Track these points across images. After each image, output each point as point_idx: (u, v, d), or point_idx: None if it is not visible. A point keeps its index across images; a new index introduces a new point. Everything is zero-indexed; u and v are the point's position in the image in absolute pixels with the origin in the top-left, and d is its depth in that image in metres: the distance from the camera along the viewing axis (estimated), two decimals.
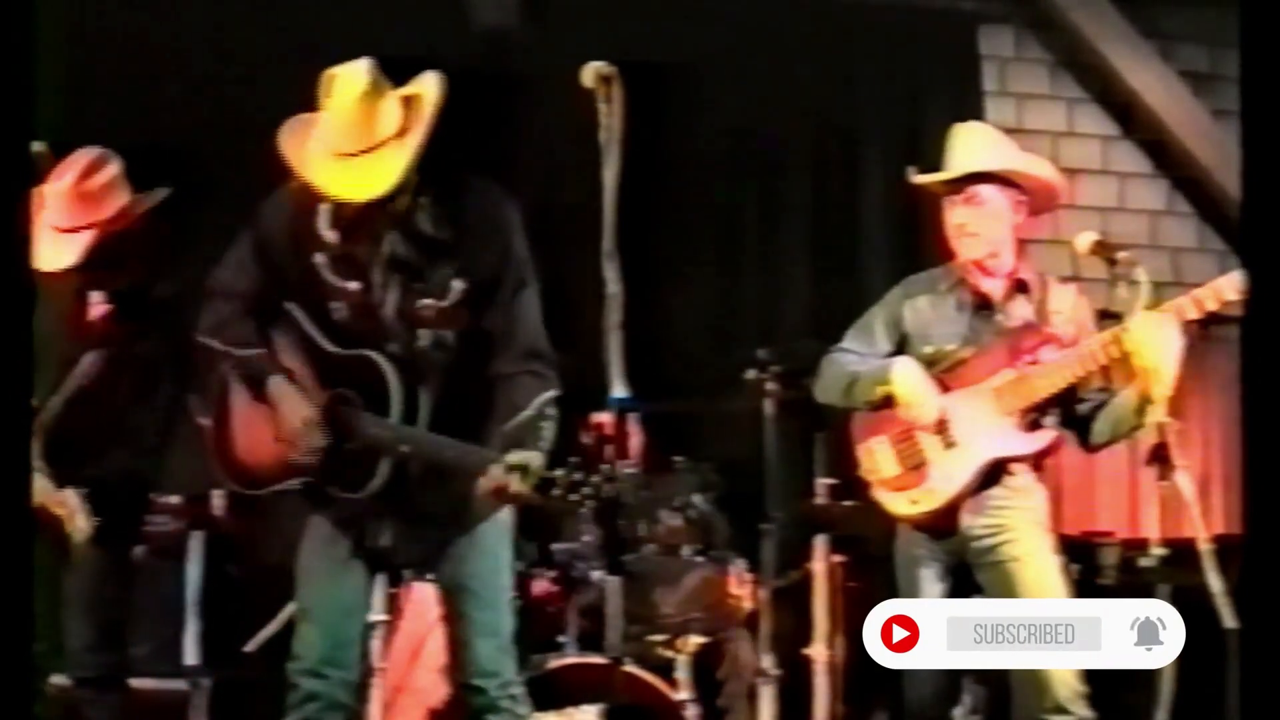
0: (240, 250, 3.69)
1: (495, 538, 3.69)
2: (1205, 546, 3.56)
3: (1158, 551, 3.83)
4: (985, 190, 4.17)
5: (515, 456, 3.36)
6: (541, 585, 5.18)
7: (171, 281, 4.30)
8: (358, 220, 3.54)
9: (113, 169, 4.24)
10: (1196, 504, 3.67)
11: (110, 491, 4.15)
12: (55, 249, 4.10)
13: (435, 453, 3.51)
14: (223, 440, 3.69)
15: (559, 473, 3.35)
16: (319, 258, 3.59)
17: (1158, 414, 3.80)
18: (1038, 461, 4.15)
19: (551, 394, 3.53)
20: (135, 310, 4.25)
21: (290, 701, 3.57)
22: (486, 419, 3.52)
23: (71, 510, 4.08)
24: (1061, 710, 3.96)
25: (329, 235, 3.57)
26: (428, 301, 3.57)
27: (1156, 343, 3.83)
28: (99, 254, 4.14)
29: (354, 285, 3.58)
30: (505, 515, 3.70)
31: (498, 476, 3.36)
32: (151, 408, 4.21)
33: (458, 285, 3.58)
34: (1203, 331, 4.01)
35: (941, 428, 4.12)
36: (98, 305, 4.27)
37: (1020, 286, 4.21)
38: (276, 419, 3.58)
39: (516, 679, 3.72)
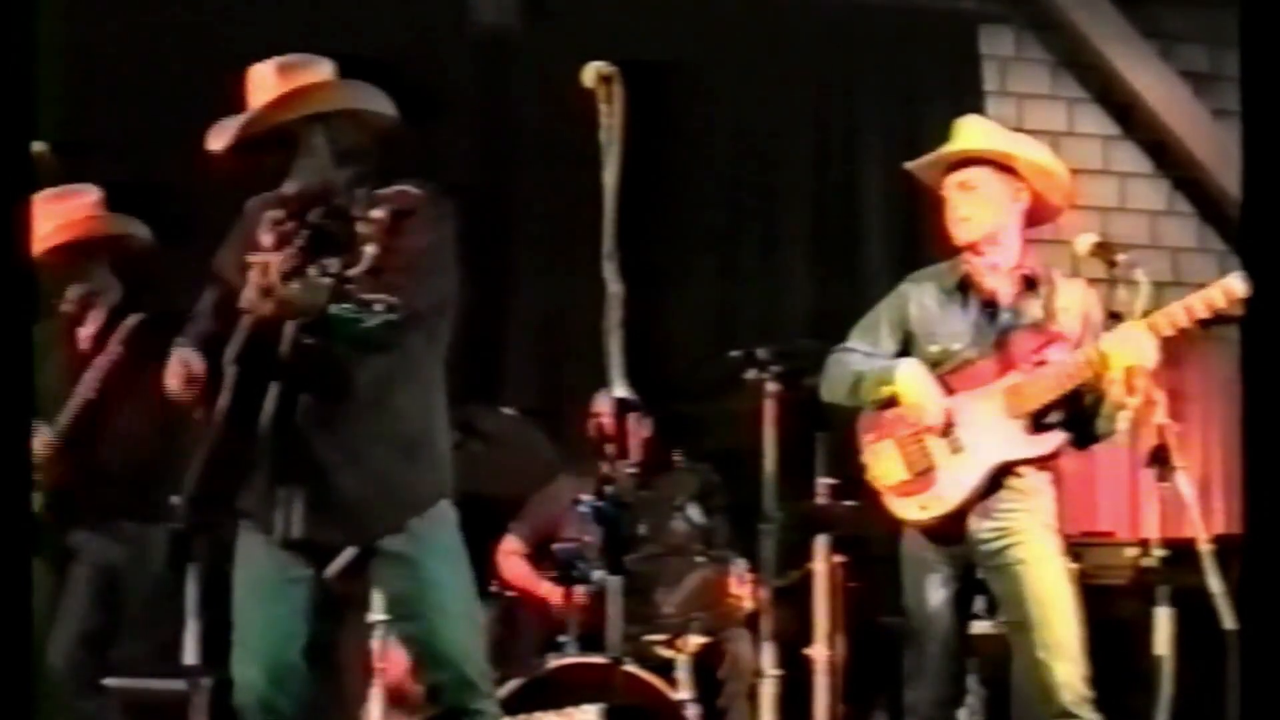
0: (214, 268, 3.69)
1: (446, 533, 3.61)
2: (1205, 547, 3.56)
3: (1158, 552, 3.82)
4: (978, 174, 4.14)
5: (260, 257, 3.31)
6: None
7: (159, 299, 4.51)
8: (295, 219, 3.50)
9: (92, 197, 4.63)
10: (1196, 505, 3.67)
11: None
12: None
13: None
14: None
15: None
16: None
17: (1124, 420, 3.91)
18: (1044, 463, 4.14)
19: (392, 300, 3.32)
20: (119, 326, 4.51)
21: None
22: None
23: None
24: (1067, 715, 3.93)
25: (266, 239, 3.53)
26: (337, 260, 3.42)
27: (1127, 355, 3.87)
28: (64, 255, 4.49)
29: None
30: (446, 504, 3.62)
31: None
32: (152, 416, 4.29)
33: (370, 250, 3.43)
34: (1203, 331, 4.01)
35: (948, 431, 4.10)
36: (89, 327, 4.58)
37: (1027, 284, 4.17)
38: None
39: (489, 674, 3.66)
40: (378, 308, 3.29)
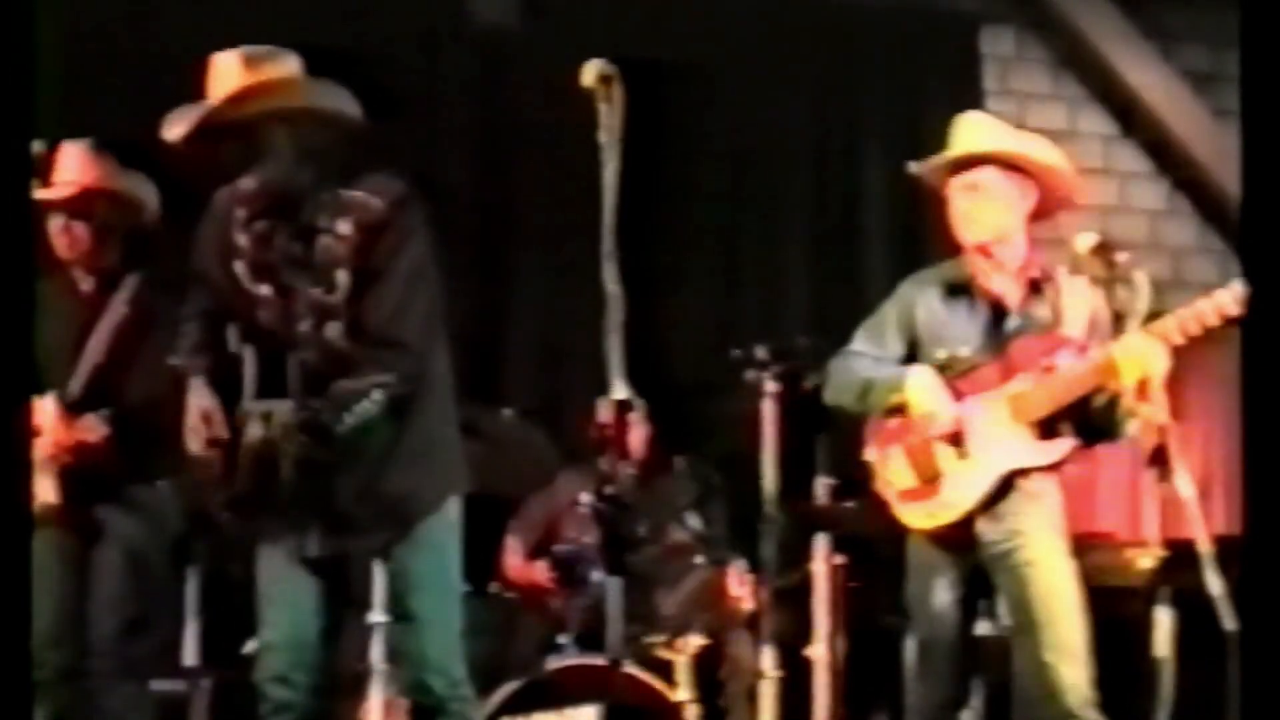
0: (191, 266, 3.69)
1: (441, 532, 3.63)
2: (1205, 548, 3.56)
3: (1158, 553, 3.82)
4: (985, 174, 4.09)
5: (263, 405, 3.36)
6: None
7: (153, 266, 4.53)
8: (263, 219, 3.52)
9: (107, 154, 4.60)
10: (1196, 505, 3.66)
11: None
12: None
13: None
14: None
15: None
16: (238, 266, 3.55)
17: (1134, 427, 3.89)
18: (1054, 469, 4.10)
19: (386, 379, 3.37)
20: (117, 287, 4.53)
21: (262, 712, 3.53)
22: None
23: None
24: (1072, 717, 3.91)
25: (241, 240, 3.55)
26: (315, 292, 3.48)
27: (1138, 364, 3.84)
28: (81, 201, 4.48)
29: (265, 290, 3.52)
30: (453, 510, 3.65)
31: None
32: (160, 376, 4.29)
33: (343, 277, 3.48)
34: (1204, 331, 4.00)
35: (957, 438, 4.07)
36: (87, 280, 4.54)
37: (1034, 286, 4.12)
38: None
39: (466, 679, 3.65)
40: (375, 395, 3.34)
